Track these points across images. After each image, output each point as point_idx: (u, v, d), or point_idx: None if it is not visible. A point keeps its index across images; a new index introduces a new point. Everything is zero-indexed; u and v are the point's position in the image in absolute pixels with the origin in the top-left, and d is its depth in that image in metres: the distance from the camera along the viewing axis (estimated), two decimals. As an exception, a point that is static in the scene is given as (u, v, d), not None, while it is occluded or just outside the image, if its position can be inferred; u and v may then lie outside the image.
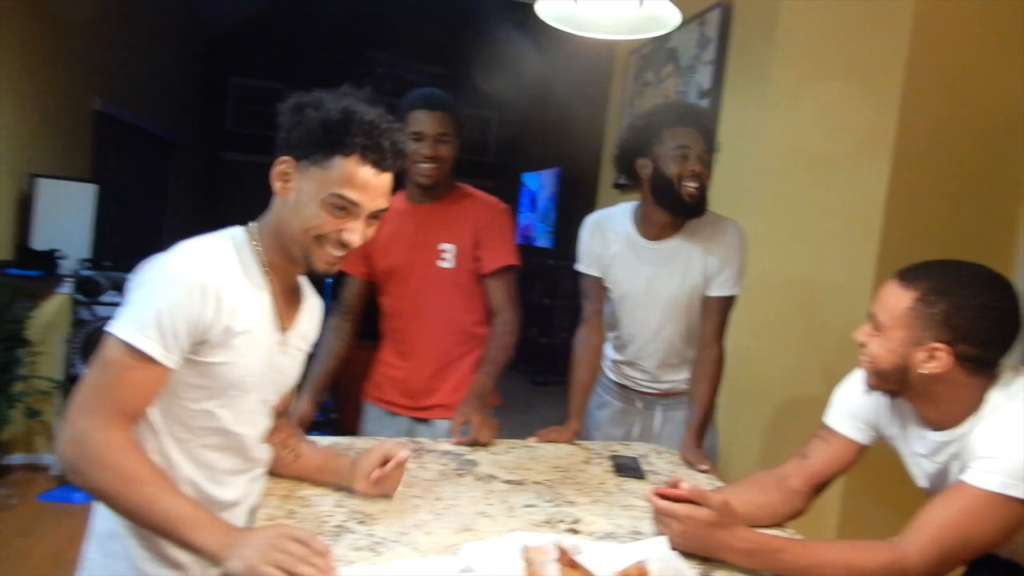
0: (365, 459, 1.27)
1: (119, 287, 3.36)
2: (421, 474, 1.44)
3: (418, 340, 1.96)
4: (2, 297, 3.23)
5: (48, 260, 3.55)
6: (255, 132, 8.76)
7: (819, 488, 1.34)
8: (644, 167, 1.78)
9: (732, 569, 1.12)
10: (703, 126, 1.77)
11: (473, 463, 1.54)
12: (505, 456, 1.62)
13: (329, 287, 3.14)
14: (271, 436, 1.32)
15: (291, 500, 1.24)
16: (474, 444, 1.65)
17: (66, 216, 3.72)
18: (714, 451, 2.01)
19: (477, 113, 9.32)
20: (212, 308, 1.06)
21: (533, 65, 6.05)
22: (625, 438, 1.99)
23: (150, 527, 0.99)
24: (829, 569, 1.08)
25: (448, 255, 1.91)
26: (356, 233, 1.11)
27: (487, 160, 9.57)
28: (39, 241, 3.62)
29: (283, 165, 1.12)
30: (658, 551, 1.01)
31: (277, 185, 1.12)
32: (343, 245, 1.11)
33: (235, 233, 1.17)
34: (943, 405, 1.16)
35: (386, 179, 1.12)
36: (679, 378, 1.98)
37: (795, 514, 1.34)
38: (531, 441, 1.78)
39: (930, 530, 1.07)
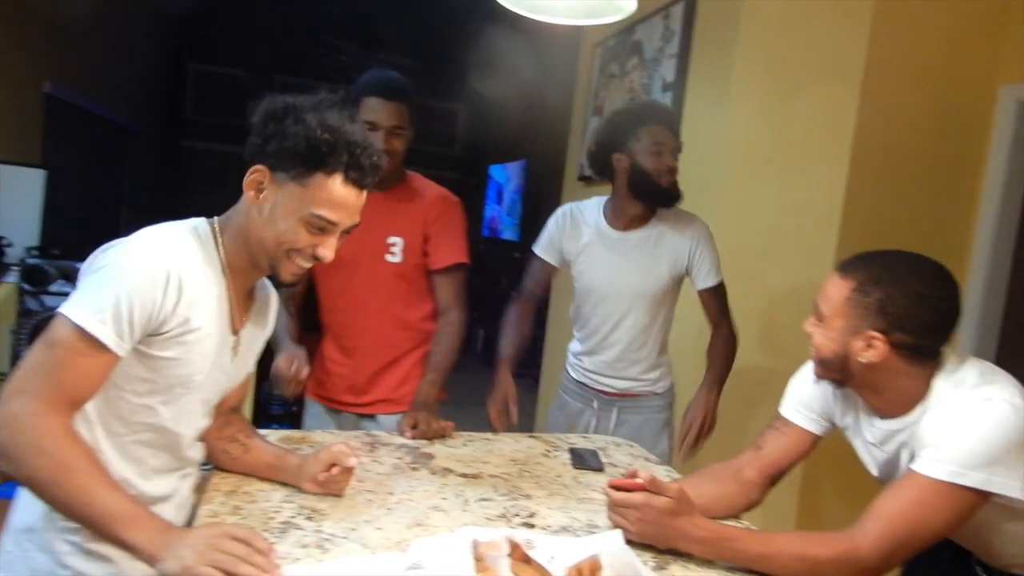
0: (313, 462, 1.22)
1: (69, 276, 3.24)
2: (374, 468, 1.40)
3: (363, 336, 1.87)
4: (-57, 286, 3.10)
5: (-7, 248, 3.42)
6: (216, 120, 8.56)
7: (774, 479, 1.34)
8: (620, 161, 1.87)
9: (688, 562, 1.12)
10: (673, 126, 1.91)
11: (429, 456, 1.51)
12: (462, 449, 1.59)
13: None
14: (221, 431, 1.28)
15: (236, 496, 1.20)
16: (426, 437, 1.62)
17: (13, 202, 3.58)
18: (665, 458, 2.04)
19: (444, 105, 9.24)
20: (173, 298, 1.02)
21: (500, 57, 6.00)
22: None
23: (82, 521, 0.94)
24: (782, 559, 1.08)
25: (396, 249, 1.83)
26: (331, 249, 1.10)
27: (454, 153, 9.49)
28: (-17, 228, 3.49)
29: (257, 174, 1.07)
30: (612, 544, 0.99)
31: (250, 194, 1.08)
32: (315, 259, 1.11)
33: (198, 225, 1.12)
34: (887, 394, 1.17)
35: (363, 197, 1.11)
36: (638, 378, 2.02)
37: (751, 505, 1.34)
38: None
39: (881, 521, 1.07)
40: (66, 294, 1.01)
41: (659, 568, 1.09)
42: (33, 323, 3.28)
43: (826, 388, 1.29)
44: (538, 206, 7.16)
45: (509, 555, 0.99)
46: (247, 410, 3.70)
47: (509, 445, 1.66)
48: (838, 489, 2.41)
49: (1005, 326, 2.78)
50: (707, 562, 1.12)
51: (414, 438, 1.61)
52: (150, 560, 0.90)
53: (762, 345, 2.40)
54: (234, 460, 1.29)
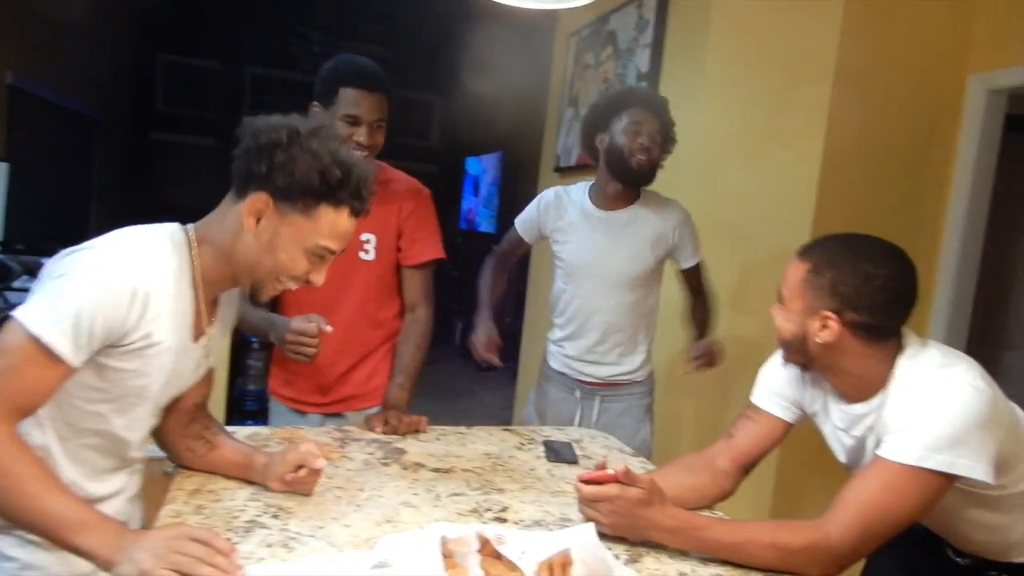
0: (280, 463, 1.19)
1: (33, 272, 3.16)
2: (344, 464, 1.38)
3: (333, 336, 1.74)
4: (-99, 283, 3.00)
5: (-47, 243, 3.32)
6: (187, 112, 8.42)
7: (747, 468, 1.34)
8: (602, 141, 1.93)
9: (660, 554, 1.11)
10: (660, 112, 1.93)
11: (401, 452, 1.49)
12: (435, 444, 1.57)
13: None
14: (186, 428, 1.25)
15: (200, 495, 1.17)
16: (398, 433, 1.59)
17: (-26, 196, 3.49)
18: (646, 444, 2.06)
19: (420, 97, 9.17)
20: (137, 314, 0.98)
21: (475, 47, 5.96)
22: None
23: (34, 529, 0.91)
24: (754, 548, 1.08)
25: (369, 247, 1.74)
26: (324, 275, 1.11)
27: (430, 145, 9.43)
28: (-56, 223, 3.39)
29: (259, 203, 1.04)
30: (583, 538, 0.98)
31: (249, 221, 1.04)
32: (305, 283, 1.10)
33: (174, 233, 1.08)
34: (850, 377, 1.18)
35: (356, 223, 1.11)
36: (618, 362, 2.02)
37: (724, 495, 1.34)
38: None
39: (851, 508, 1.07)
40: (29, 291, 0.97)
41: (632, 560, 1.08)
42: (-4, 320, 3.20)
43: (796, 375, 1.30)
44: (515, 198, 7.14)
45: (479, 551, 0.97)
46: (220, 406, 3.66)
47: (483, 439, 1.65)
48: (814, 480, 2.43)
49: (976, 311, 2.82)
50: (680, 553, 1.12)
51: (386, 433, 1.59)
52: (106, 565, 0.87)
53: (738, 332, 2.40)
54: (199, 458, 1.25)
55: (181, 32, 8.05)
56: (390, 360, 1.79)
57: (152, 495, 1.23)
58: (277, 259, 1.06)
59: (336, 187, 1.04)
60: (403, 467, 1.40)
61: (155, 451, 1.26)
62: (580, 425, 2.01)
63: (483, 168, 7.84)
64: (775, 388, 1.33)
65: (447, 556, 0.95)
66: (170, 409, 1.21)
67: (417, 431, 1.62)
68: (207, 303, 1.12)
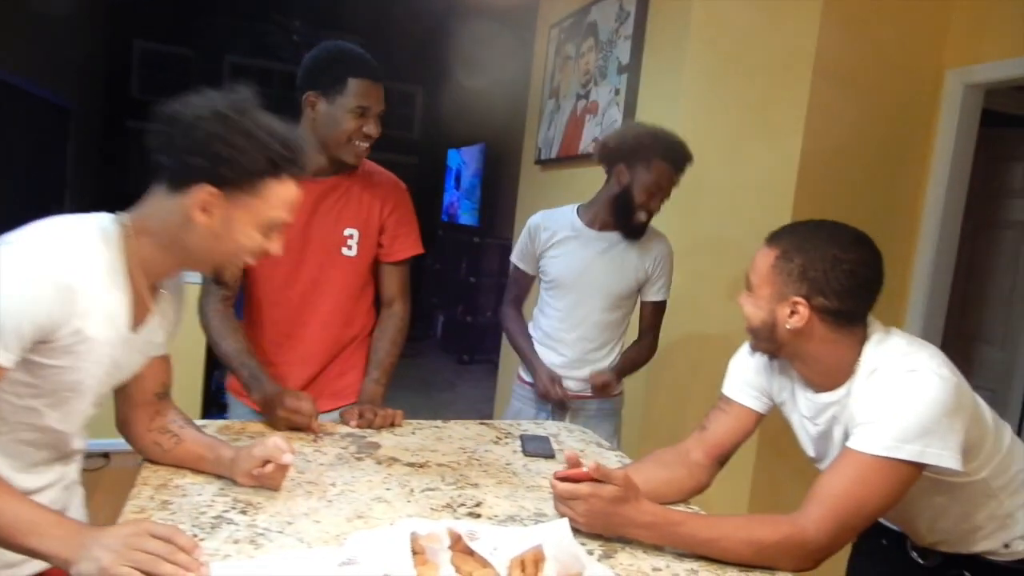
0: (246, 458, 1.16)
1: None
2: (317, 458, 1.36)
3: (307, 334, 1.68)
4: None
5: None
6: (163, 100, 8.27)
7: (721, 460, 1.35)
8: (621, 174, 1.92)
9: (635, 550, 1.10)
10: (681, 172, 1.93)
11: (375, 446, 1.47)
12: (410, 438, 1.55)
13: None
14: (151, 422, 1.22)
15: (166, 490, 1.14)
16: (373, 426, 1.57)
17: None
18: (613, 435, 2.08)
19: (402, 87, 9.10)
20: (64, 310, 0.94)
21: (457, 38, 5.91)
22: None
23: None
24: (729, 543, 1.07)
25: (352, 242, 1.67)
26: (281, 244, 1.10)
27: (412, 136, 9.36)
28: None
29: (206, 196, 1.00)
30: (557, 534, 0.96)
31: (198, 215, 1.01)
32: (264, 255, 1.09)
33: (104, 224, 1.03)
34: (817, 364, 1.19)
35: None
36: (592, 378, 2.03)
37: (700, 488, 1.33)
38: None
39: (824, 501, 1.07)
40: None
41: (606, 556, 1.07)
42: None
43: (764, 364, 1.31)
44: (496, 190, 7.11)
45: (450, 547, 0.96)
46: (196, 400, 3.61)
47: (459, 432, 1.63)
48: (791, 476, 2.43)
49: (952, 306, 2.84)
50: (654, 549, 1.11)
51: (360, 427, 1.56)
52: (65, 565, 0.85)
53: (717, 326, 2.40)
54: (166, 452, 1.22)
55: (157, 19, 7.92)
56: (360, 357, 1.75)
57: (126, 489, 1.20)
58: (235, 242, 1.05)
59: (279, 162, 1.02)
60: (377, 461, 1.38)
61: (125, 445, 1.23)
62: None
63: (465, 160, 7.79)
64: (745, 378, 1.34)
65: (418, 553, 0.94)
66: (130, 401, 1.18)
67: (392, 425, 1.60)
68: (148, 291, 1.08)
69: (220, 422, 1.54)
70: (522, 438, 1.61)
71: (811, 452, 1.30)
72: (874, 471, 1.06)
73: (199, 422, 1.50)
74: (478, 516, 1.17)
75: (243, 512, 1.09)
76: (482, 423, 1.73)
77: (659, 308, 2.08)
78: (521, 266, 2.12)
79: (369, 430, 1.56)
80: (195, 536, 0.99)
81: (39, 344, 0.94)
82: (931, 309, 2.70)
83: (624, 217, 1.94)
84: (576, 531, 1.06)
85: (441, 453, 1.47)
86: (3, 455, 1.02)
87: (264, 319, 1.68)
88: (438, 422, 1.69)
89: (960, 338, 3.46)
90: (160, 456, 1.23)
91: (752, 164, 2.46)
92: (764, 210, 2.44)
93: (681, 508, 1.25)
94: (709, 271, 2.41)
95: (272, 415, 1.50)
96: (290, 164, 1.04)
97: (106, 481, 3.30)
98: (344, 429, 1.55)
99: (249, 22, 7.42)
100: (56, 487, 1.11)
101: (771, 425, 1.41)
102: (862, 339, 1.17)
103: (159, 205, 1.04)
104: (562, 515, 1.11)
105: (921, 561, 1.32)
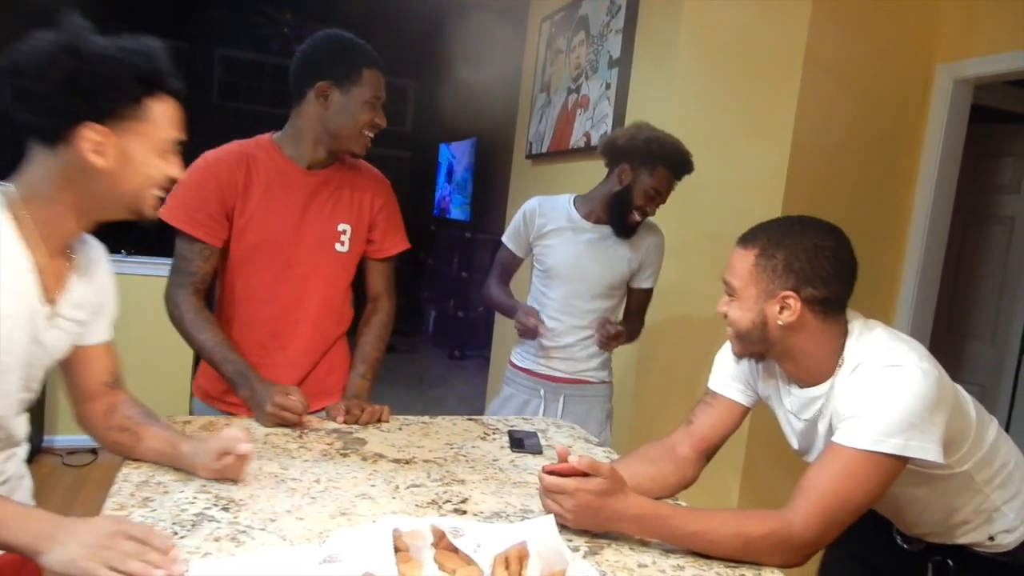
0: (203, 452, 1.15)
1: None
2: (301, 455, 1.34)
3: (299, 333, 1.63)
4: None
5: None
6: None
7: (708, 453, 1.35)
8: (624, 173, 1.94)
9: (621, 546, 1.09)
10: (681, 178, 1.96)
11: (361, 442, 1.46)
12: (396, 434, 1.54)
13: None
14: (108, 420, 1.20)
15: (147, 487, 1.13)
16: (359, 422, 1.56)
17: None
18: (606, 420, 2.12)
19: (394, 81, 9.05)
20: None
21: (449, 32, 5.88)
22: None
23: None
24: (716, 535, 1.07)
25: (345, 238, 1.64)
26: (179, 166, 1.08)
27: (404, 130, 9.32)
28: None
29: (96, 136, 0.96)
30: (541, 530, 0.95)
31: (94, 159, 0.97)
32: (171, 183, 1.07)
33: None
34: (805, 359, 1.19)
35: None
36: (585, 361, 2.07)
37: (687, 483, 1.33)
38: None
39: (811, 495, 1.08)
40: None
41: (592, 552, 1.06)
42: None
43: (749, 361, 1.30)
44: (488, 185, 7.08)
45: (434, 545, 0.95)
46: (185, 394, 3.58)
47: (446, 428, 1.62)
48: (781, 472, 2.44)
49: (942, 301, 2.85)
50: (641, 545, 1.10)
51: (346, 422, 1.55)
52: (34, 555, 0.84)
53: (708, 321, 2.40)
54: (128, 450, 1.21)
55: (147, 11, 7.85)
56: (345, 353, 1.74)
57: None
58: (140, 175, 1.02)
59: (150, 77, 1.00)
60: (362, 458, 1.37)
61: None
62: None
63: (457, 155, 7.77)
64: (731, 372, 1.35)
65: (400, 550, 0.93)
66: (81, 394, 1.17)
67: (379, 421, 1.59)
68: (52, 260, 1.04)
69: (204, 418, 1.52)
70: (510, 434, 1.60)
71: (796, 445, 1.30)
72: (859, 465, 1.07)
73: (186, 418, 1.49)
74: (463, 513, 1.16)
75: (225, 509, 1.08)
76: (470, 419, 1.72)
77: (647, 295, 2.13)
78: (511, 247, 2.13)
79: (355, 426, 1.55)
80: (175, 534, 0.98)
81: None
82: (921, 304, 2.70)
83: (619, 216, 1.97)
84: (563, 527, 1.06)
85: (428, 449, 1.46)
86: None
87: (249, 318, 1.61)
88: (425, 418, 1.68)
89: (949, 333, 3.48)
90: (124, 454, 1.22)
91: (743, 158, 2.46)
92: (754, 204, 2.43)
93: (668, 503, 1.25)
94: (700, 265, 2.41)
95: (260, 412, 1.48)
96: (162, 78, 1.01)
97: (94, 476, 3.28)
98: (330, 425, 1.54)
99: (239, 15, 7.36)
100: None
101: (762, 421, 1.40)
102: (845, 330, 1.18)
103: (43, 165, 0.99)
104: (549, 510, 1.10)
105: (905, 546, 1.34)
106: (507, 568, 0.91)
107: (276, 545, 0.99)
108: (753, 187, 2.45)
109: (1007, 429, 3.42)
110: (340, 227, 1.64)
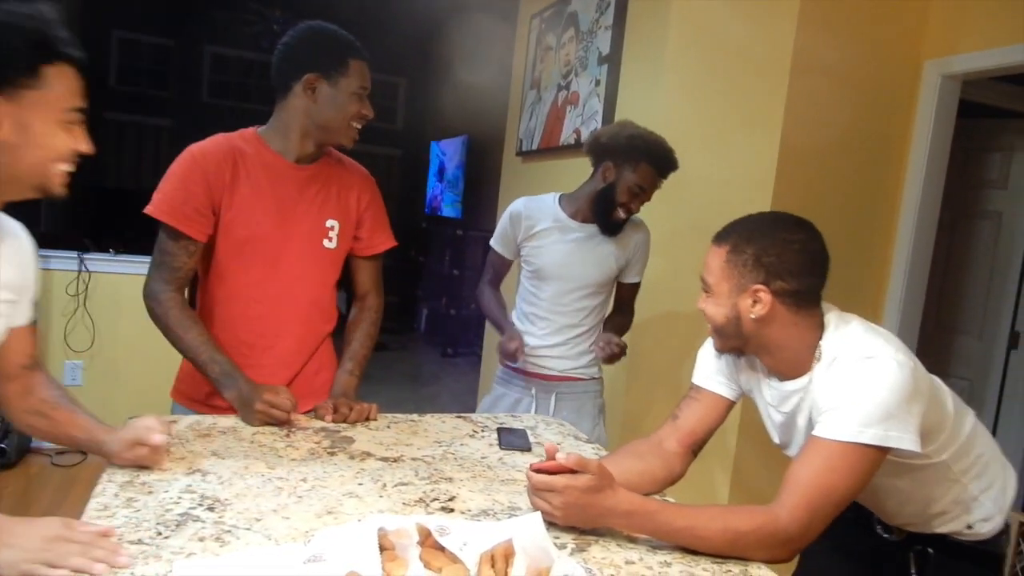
0: (116, 441, 1.15)
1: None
2: (289, 454, 1.34)
3: (283, 331, 1.60)
4: None
5: None
6: (142, 91, 8.17)
7: (695, 448, 1.36)
8: (608, 170, 1.96)
9: (608, 543, 1.09)
10: (666, 177, 1.98)
11: (349, 440, 1.45)
12: (385, 432, 1.53)
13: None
14: (23, 401, 1.17)
15: (131, 487, 1.12)
16: (348, 421, 1.55)
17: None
18: (604, 441, 2.10)
19: (385, 78, 9.02)
20: None
21: (439, 29, 5.87)
22: None
23: None
24: (704, 531, 1.07)
25: (333, 234, 1.62)
26: (87, 140, 1.03)
27: (395, 128, 9.29)
28: None
29: None
30: (527, 528, 0.95)
31: None
32: (78, 157, 1.02)
33: None
34: (782, 352, 1.21)
35: None
36: (575, 358, 2.08)
37: (674, 478, 1.34)
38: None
39: (796, 489, 1.08)
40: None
41: (579, 550, 1.06)
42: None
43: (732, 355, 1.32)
44: (479, 182, 7.07)
45: (420, 543, 0.94)
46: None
47: (435, 426, 1.61)
48: (771, 469, 2.44)
49: (930, 296, 2.86)
50: (628, 542, 1.10)
51: (335, 421, 1.54)
52: None
53: (696, 316, 2.40)
54: (44, 434, 1.19)
55: (136, 8, 7.80)
56: (332, 352, 1.73)
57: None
58: (43, 148, 0.97)
59: (46, 43, 0.94)
60: (350, 456, 1.36)
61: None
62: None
63: (448, 152, 7.75)
64: (714, 367, 1.36)
65: (386, 549, 0.92)
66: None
67: (368, 419, 1.58)
68: None
69: (192, 418, 1.51)
70: (499, 431, 1.59)
71: (776, 439, 1.32)
72: (840, 457, 1.08)
73: (172, 418, 1.48)
74: (451, 511, 1.16)
75: (210, 509, 1.07)
76: (459, 416, 1.71)
77: (635, 288, 2.17)
78: (499, 250, 2.14)
79: (344, 424, 1.54)
80: (159, 534, 0.97)
81: None
82: (909, 299, 2.71)
83: (603, 213, 1.98)
84: (551, 524, 1.05)
85: (416, 447, 1.45)
86: None
87: (235, 316, 1.58)
88: (414, 416, 1.67)
89: (938, 328, 3.49)
90: (42, 437, 1.20)
91: (732, 155, 2.46)
92: (744, 200, 2.43)
93: (657, 499, 1.25)
94: (689, 260, 2.40)
95: (248, 411, 1.46)
96: (58, 44, 0.95)
97: (83, 477, 3.26)
98: (318, 423, 1.53)
99: (228, 12, 7.31)
100: None
101: (750, 416, 1.41)
102: (821, 323, 1.19)
103: None
104: (537, 508, 1.10)
105: (886, 536, 1.36)
106: (493, 566, 0.91)
107: (261, 545, 0.98)
108: (742, 183, 2.45)
109: (995, 423, 3.45)
110: (328, 223, 1.62)
